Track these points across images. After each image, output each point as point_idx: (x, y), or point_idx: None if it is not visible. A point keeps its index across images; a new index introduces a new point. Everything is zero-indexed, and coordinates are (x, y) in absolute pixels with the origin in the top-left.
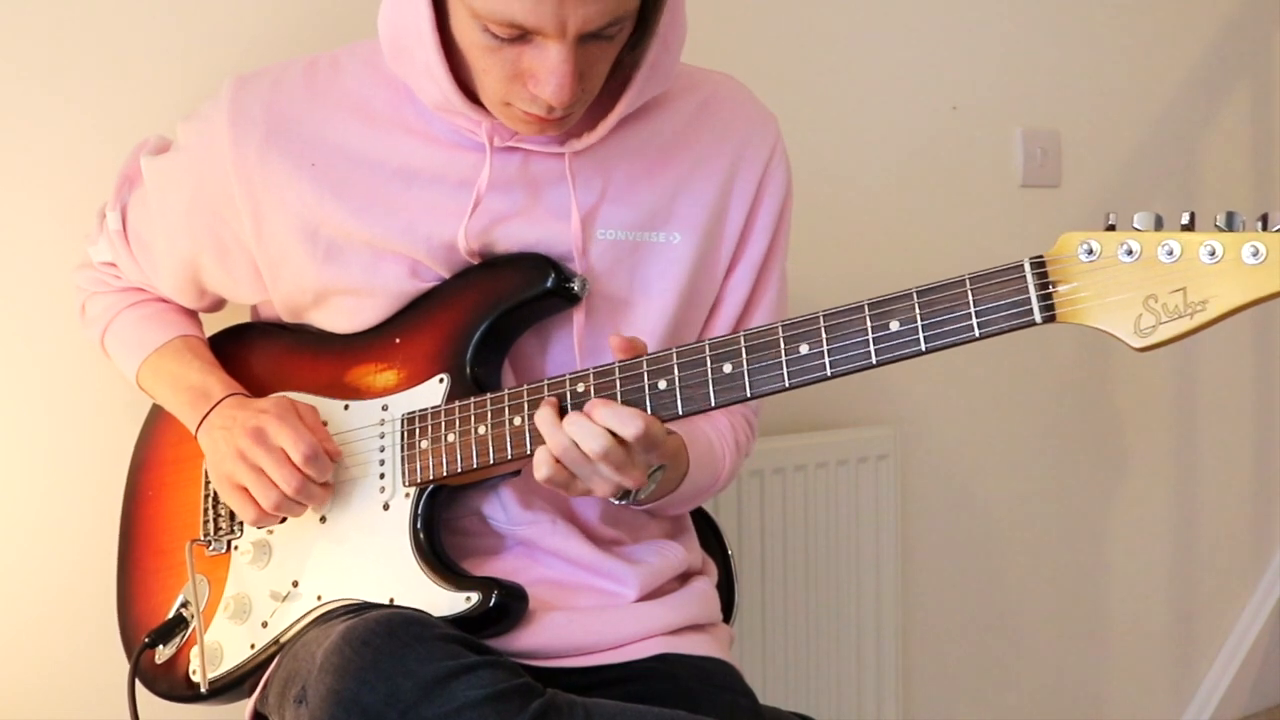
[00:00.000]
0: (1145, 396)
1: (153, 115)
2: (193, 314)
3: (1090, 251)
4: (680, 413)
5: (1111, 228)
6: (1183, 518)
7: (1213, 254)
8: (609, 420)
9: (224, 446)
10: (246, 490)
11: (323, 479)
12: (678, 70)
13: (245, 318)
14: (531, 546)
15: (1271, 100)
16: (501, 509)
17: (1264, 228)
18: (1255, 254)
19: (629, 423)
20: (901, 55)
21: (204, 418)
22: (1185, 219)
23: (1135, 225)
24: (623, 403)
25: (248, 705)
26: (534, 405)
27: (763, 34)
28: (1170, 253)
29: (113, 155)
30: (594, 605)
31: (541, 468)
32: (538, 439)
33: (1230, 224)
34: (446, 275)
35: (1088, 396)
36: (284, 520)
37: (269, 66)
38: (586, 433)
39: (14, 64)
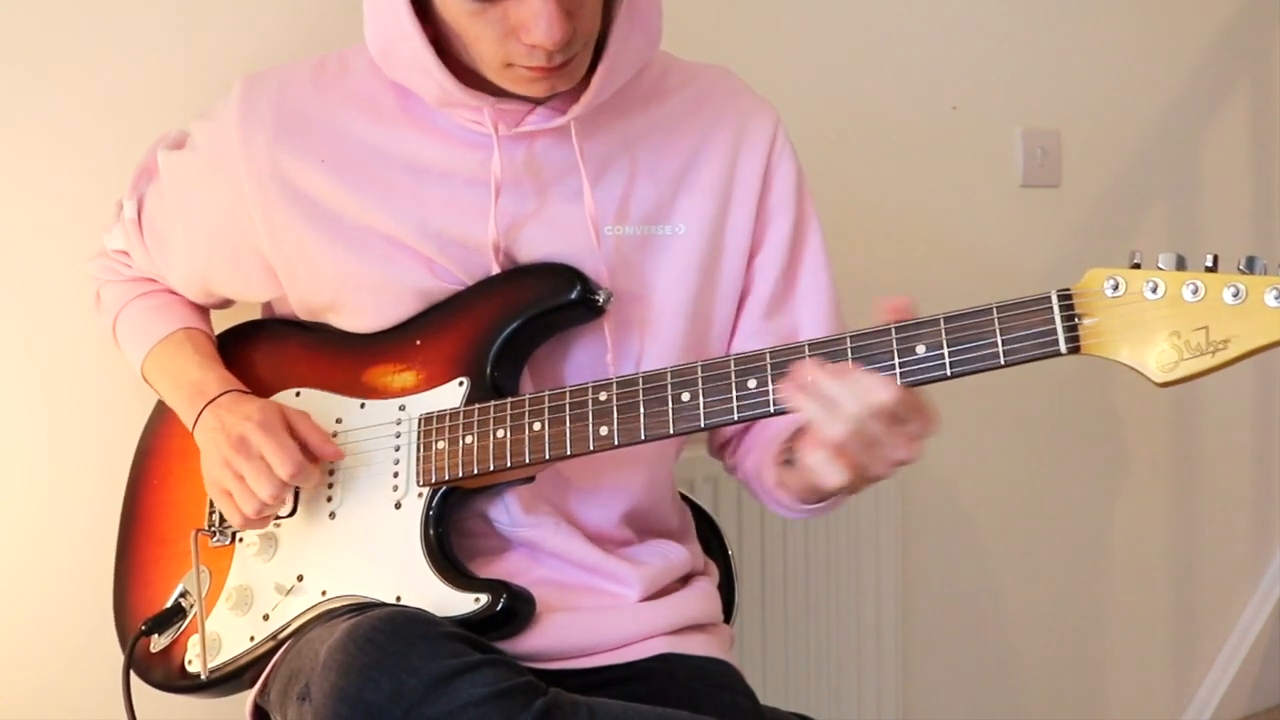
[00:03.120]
0: (1145, 400)
1: (161, 110)
2: (201, 307)
3: (1116, 287)
4: (702, 425)
5: (1137, 265)
6: (1182, 518)
7: (1236, 294)
8: (858, 378)
9: (212, 451)
10: (231, 496)
11: (312, 486)
12: (672, 64)
13: (257, 311)
14: (534, 548)
15: (1271, 100)
16: (505, 511)
17: None
18: (1278, 297)
19: (884, 384)
20: (902, 55)
21: (198, 416)
22: (1209, 260)
23: (1159, 265)
24: (651, 413)
25: (248, 701)
26: (554, 412)
27: (762, 33)
28: (1195, 291)
29: (120, 150)
30: (596, 606)
31: (831, 474)
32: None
33: (1251, 267)
34: (462, 274)
35: (1088, 400)
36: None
37: (277, 66)
38: (842, 391)
39: (22, 60)
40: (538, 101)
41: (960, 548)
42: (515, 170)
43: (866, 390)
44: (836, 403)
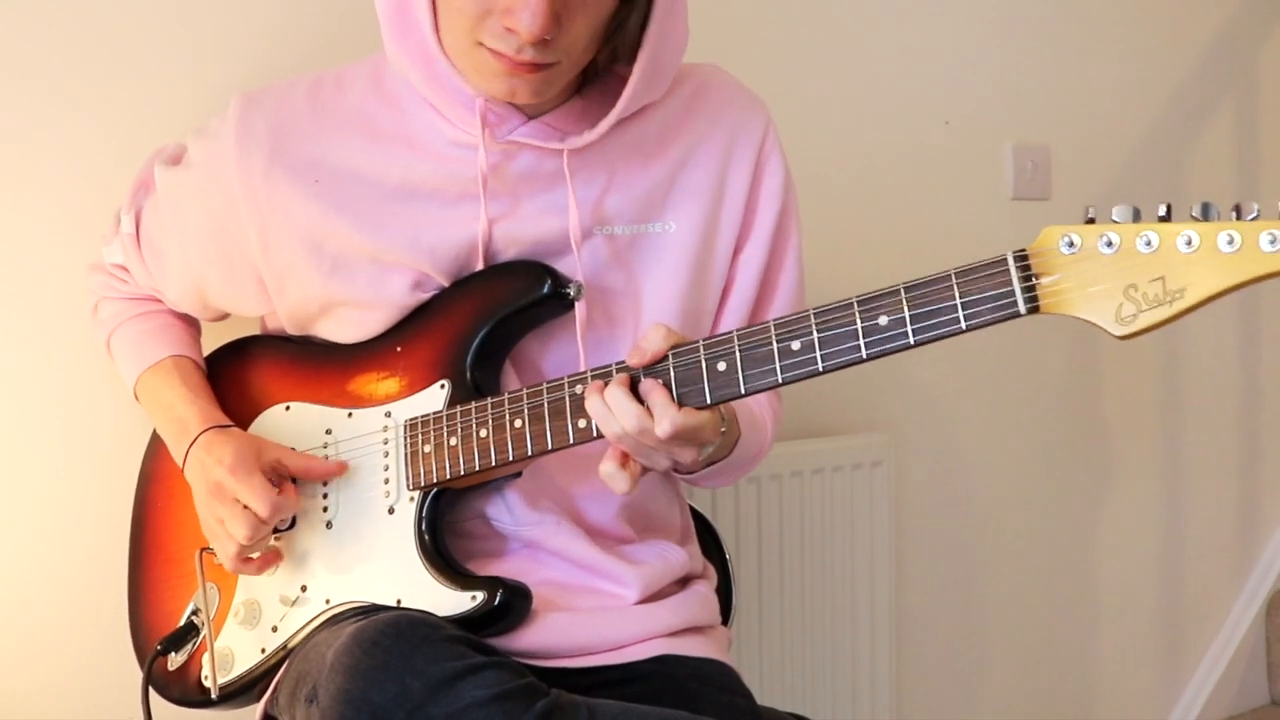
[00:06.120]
0: (1133, 400)
1: (163, 120)
2: (194, 331)
3: (1071, 244)
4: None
5: (1091, 221)
6: (1170, 520)
7: (1189, 243)
8: (654, 404)
9: (197, 496)
10: (216, 539)
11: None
12: None
13: (252, 326)
14: (535, 548)
15: (1256, 115)
16: (507, 510)
17: (1238, 217)
18: (1230, 242)
19: (662, 419)
20: (895, 71)
21: (185, 456)
22: (1162, 211)
23: (1114, 218)
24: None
25: (258, 707)
26: (534, 408)
27: (757, 47)
28: (1148, 243)
29: (124, 159)
30: (595, 607)
31: (618, 481)
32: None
33: (1206, 214)
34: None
35: (1077, 401)
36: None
37: (275, 84)
38: (624, 410)
39: (24, 70)
40: (529, 115)
41: (952, 552)
42: (505, 174)
43: (637, 414)
44: (613, 415)
